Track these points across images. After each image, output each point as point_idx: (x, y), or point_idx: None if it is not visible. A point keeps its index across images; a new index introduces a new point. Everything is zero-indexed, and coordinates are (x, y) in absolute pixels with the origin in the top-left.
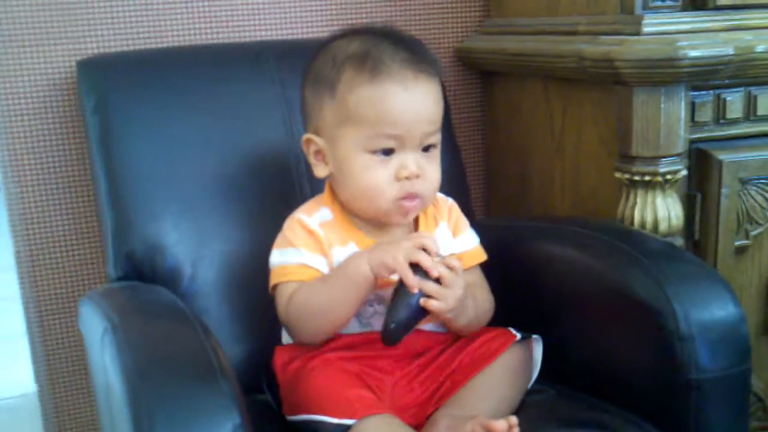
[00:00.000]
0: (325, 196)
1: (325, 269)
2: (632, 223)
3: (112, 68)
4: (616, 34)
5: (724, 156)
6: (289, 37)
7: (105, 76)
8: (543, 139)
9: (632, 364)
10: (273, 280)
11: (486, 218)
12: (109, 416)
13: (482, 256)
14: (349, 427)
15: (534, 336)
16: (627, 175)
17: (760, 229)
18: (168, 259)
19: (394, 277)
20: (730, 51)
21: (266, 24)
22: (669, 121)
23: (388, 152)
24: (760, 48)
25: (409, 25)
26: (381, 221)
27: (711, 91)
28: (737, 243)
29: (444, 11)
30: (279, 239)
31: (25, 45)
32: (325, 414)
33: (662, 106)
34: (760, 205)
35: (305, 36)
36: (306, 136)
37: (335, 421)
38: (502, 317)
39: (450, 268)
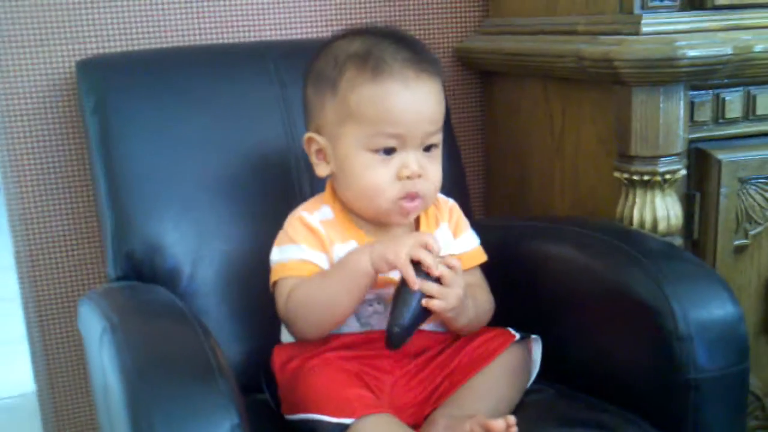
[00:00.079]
0: (326, 195)
1: (325, 265)
2: (631, 222)
3: (112, 68)
4: (615, 34)
5: (723, 155)
6: (290, 37)
7: (104, 77)
8: (542, 139)
9: (631, 363)
10: (273, 276)
11: (485, 218)
12: (108, 416)
13: (483, 257)
14: (347, 426)
15: (533, 336)
16: (626, 175)
17: (759, 229)
18: (167, 259)
19: (394, 276)
20: (729, 51)
21: (267, 24)
22: (668, 120)
23: (389, 151)
24: (758, 47)
25: (409, 25)
26: (382, 221)
27: (710, 91)
28: (736, 242)
29: (443, 11)
30: (280, 236)
31: (25, 45)
32: (323, 413)
33: (661, 105)
34: (759, 204)
35: (306, 36)
36: (307, 135)
37: (334, 420)
38: (501, 317)
39: (450, 267)
